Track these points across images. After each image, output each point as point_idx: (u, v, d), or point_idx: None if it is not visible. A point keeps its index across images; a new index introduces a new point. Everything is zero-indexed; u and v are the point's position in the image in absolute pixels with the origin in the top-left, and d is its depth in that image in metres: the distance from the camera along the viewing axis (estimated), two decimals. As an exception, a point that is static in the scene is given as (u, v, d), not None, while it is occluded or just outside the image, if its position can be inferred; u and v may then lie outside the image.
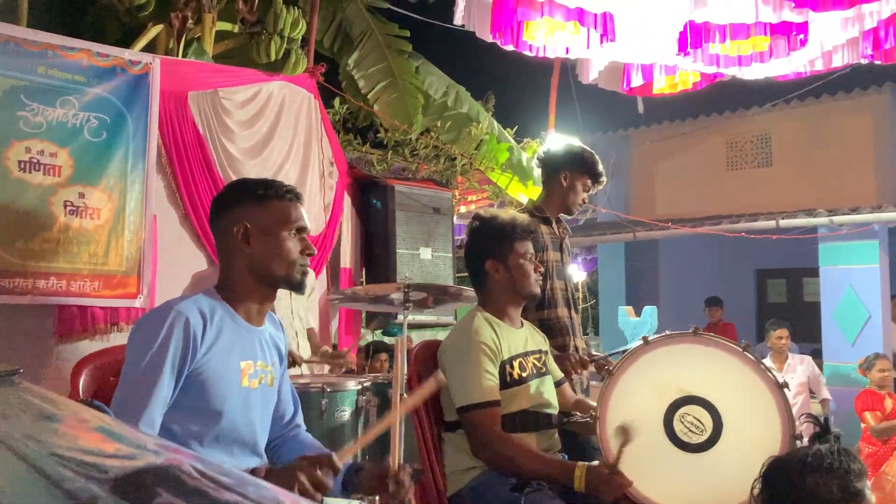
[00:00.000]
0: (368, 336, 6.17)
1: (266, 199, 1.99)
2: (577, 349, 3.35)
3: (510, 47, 5.13)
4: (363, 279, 5.21)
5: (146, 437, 0.79)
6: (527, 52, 5.25)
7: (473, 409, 2.28)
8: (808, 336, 8.39)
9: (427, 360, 2.47)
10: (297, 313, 3.98)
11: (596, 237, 9.83)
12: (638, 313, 7.10)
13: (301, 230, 2.01)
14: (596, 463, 2.23)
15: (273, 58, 4.40)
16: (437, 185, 5.47)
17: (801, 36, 5.03)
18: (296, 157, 4.50)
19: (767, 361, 6.80)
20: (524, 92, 9.08)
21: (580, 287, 13.27)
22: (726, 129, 9.93)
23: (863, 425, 5.95)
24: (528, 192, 6.22)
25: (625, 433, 2.14)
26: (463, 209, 7.96)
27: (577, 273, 13.11)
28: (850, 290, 7.52)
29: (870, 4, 4.53)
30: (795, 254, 8.18)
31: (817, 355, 7.61)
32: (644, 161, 10.64)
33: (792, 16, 4.58)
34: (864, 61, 5.56)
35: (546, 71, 7.66)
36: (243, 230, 1.94)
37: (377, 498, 2.04)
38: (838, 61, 5.64)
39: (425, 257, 5.19)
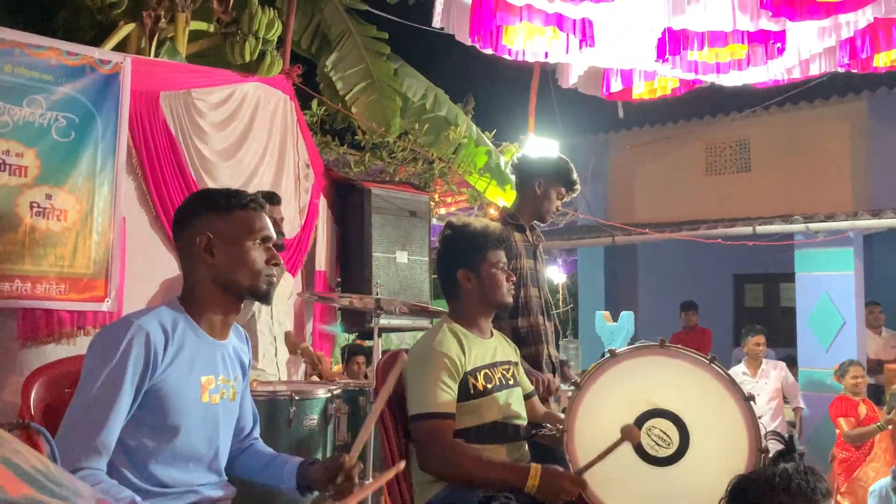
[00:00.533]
0: (344, 335, 6.13)
1: (229, 208, 1.95)
2: (549, 357, 3.35)
3: (489, 51, 5.11)
4: (338, 282, 5.17)
5: (80, 487, 0.75)
6: (506, 57, 5.23)
7: (424, 418, 2.26)
8: (784, 341, 8.44)
9: (393, 369, 2.43)
10: (277, 318, 3.93)
11: (575, 241, 9.84)
12: (615, 318, 7.11)
13: (266, 239, 1.98)
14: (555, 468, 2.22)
15: (248, 59, 4.35)
16: (415, 188, 5.44)
17: (779, 44, 5.05)
18: (270, 159, 4.45)
19: (742, 366, 6.86)
20: (504, 95, 9.08)
21: (560, 289, 13.31)
22: (706, 134, 9.98)
23: (837, 431, 6.01)
24: (506, 196, 6.20)
25: (626, 435, 2.13)
26: (443, 211, 7.94)
27: (557, 275, 13.14)
28: (826, 297, 7.57)
29: (846, 14, 4.55)
30: (773, 259, 8.24)
31: (793, 361, 7.66)
32: (624, 165, 10.67)
33: (769, 24, 4.59)
34: (840, 70, 5.60)
35: (526, 74, 7.65)
36: (206, 241, 1.91)
37: None
38: (816, 70, 5.67)
39: (401, 261, 5.15)
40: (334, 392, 3.11)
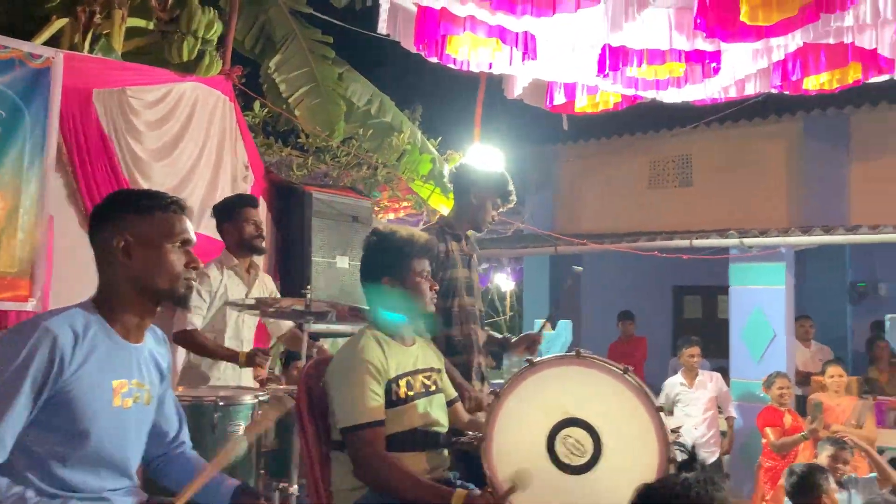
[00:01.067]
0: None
1: (149, 210, 1.95)
2: (480, 366, 3.38)
3: (434, 59, 5.14)
4: (277, 287, 5.12)
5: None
6: (451, 66, 5.28)
7: (356, 429, 2.26)
8: (721, 352, 8.63)
9: (317, 377, 2.43)
10: (248, 324, 3.90)
11: (520, 249, 9.95)
12: (554, 326, 7.20)
13: (186, 243, 1.97)
14: (477, 492, 2.24)
15: (186, 58, 4.30)
16: (358, 193, 5.44)
17: (714, 64, 5.20)
18: (208, 159, 4.41)
19: (679, 376, 7.02)
20: (452, 103, 9.13)
21: (508, 297, 13.40)
22: (649, 148, 10.19)
23: (764, 440, 6.19)
24: (449, 204, 6.24)
25: (518, 481, 2.16)
26: (391, 216, 7.94)
27: (505, 283, 13.24)
28: (758, 310, 7.80)
29: (777, 38, 4.71)
30: (710, 272, 8.45)
31: (725, 372, 7.86)
32: (570, 176, 10.83)
33: (704, 45, 4.73)
34: (774, 91, 5.79)
35: (474, 83, 7.72)
36: (124, 242, 1.90)
37: None
38: (751, 90, 5.84)
39: (342, 266, 5.14)
40: (261, 398, 3.08)
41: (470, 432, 2.62)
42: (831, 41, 4.81)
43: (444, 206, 6.33)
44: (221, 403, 2.92)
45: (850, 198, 8.91)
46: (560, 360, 2.39)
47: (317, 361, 2.55)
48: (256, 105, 5.70)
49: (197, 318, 3.56)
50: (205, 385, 3.53)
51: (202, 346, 3.59)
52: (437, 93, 8.63)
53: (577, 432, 2.26)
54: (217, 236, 3.83)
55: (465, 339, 3.32)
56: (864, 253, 8.88)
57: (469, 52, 5.15)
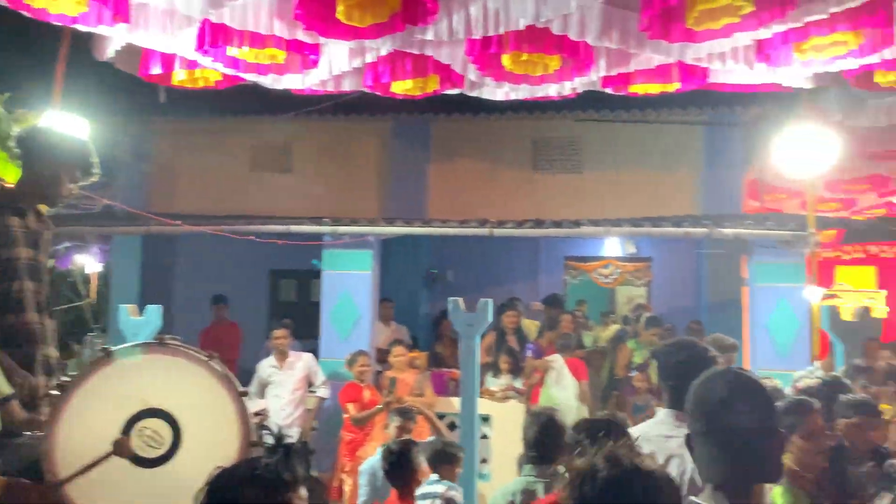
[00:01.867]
0: None
1: None
2: (46, 359, 3.02)
3: (3, 3, 4.43)
4: None
5: None
6: (25, 13, 4.59)
7: None
8: (314, 333, 9.03)
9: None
10: None
11: (108, 227, 9.17)
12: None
13: None
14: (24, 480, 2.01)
15: None
16: None
17: (314, 56, 5.40)
18: None
19: (270, 359, 7.20)
20: (28, 56, 7.95)
21: (93, 279, 12.20)
22: (252, 131, 10.23)
23: (345, 415, 6.67)
24: (17, 172, 5.42)
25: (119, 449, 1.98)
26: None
27: (91, 264, 12.01)
28: (346, 293, 8.37)
29: (370, 41, 5.07)
30: (305, 257, 8.79)
31: (316, 352, 8.27)
32: (166, 153, 10.33)
33: (304, 36, 4.87)
34: (367, 90, 6.23)
35: (56, 35, 6.80)
36: None
37: None
38: (346, 86, 6.21)
39: None
40: None
41: (28, 432, 2.32)
42: (416, 51, 5.36)
43: (12, 174, 5.48)
44: None
45: (429, 194, 10.10)
46: (140, 348, 2.26)
47: None
48: None
49: None
50: None
51: None
52: (9, 42, 7.41)
53: (156, 423, 2.16)
54: None
55: (28, 329, 2.94)
56: (438, 243, 10.11)
57: (47, 0, 4.53)
